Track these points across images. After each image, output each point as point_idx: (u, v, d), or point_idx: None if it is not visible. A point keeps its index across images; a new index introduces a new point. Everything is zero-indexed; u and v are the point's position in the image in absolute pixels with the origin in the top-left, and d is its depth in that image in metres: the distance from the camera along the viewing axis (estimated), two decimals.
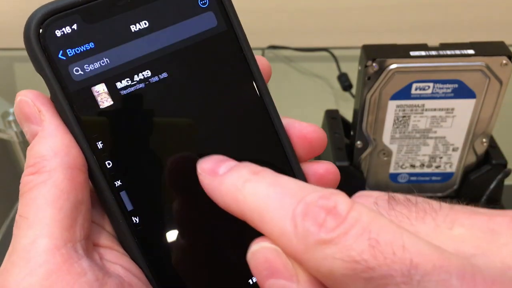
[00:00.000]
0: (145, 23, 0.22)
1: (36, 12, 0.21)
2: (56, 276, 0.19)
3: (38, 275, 0.19)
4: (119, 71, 0.22)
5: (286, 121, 0.25)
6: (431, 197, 0.18)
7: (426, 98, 0.48)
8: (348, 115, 0.56)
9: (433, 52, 0.46)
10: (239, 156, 0.25)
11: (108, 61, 0.22)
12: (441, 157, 0.52)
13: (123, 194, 0.23)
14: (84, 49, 0.22)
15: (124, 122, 0.22)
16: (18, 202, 0.21)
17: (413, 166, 0.53)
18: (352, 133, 0.53)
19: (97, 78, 0.22)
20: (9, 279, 0.20)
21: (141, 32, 0.22)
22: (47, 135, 0.21)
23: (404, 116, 0.49)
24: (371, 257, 0.15)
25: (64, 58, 0.21)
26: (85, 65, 0.22)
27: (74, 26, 0.21)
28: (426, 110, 0.49)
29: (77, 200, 0.21)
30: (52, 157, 0.21)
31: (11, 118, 0.60)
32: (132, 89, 0.22)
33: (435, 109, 0.49)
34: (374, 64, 0.46)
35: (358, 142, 0.51)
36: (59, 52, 0.21)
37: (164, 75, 0.23)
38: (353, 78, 0.67)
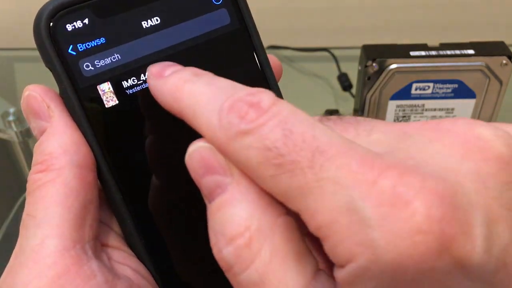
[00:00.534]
0: (157, 20, 0.22)
1: (47, 5, 0.21)
2: (65, 279, 0.19)
3: (47, 277, 0.19)
4: (130, 67, 0.22)
5: None
6: None
7: (426, 98, 0.48)
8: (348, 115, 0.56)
9: (433, 52, 0.46)
10: None
11: (119, 57, 0.21)
12: None
13: (131, 195, 0.22)
14: (95, 44, 0.21)
15: (135, 121, 0.22)
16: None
17: None
18: None
19: (108, 74, 0.21)
20: (17, 280, 0.19)
21: (153, 28, 0.22)
22: (56, 131, 0.21)
23: (404, 116, 0.49)
24: (283, 145, 0.15)
25: (75, 53, 0.21)
26: (96, 61, 0.21)
27: (86, 21, 0.21)
28: (426, 110, 0.49)
29: (86, 200, 0.20)
30: (61, 155, 0.20)
31: (11, 118, 0.60)
32: (145, 86, 0.22)
33: (435, 109, 0.49)
34: (374, 64, 0.46)
35: None
36: (70, 46, 0.21)
37: None
38: (353, 78, 0.67)
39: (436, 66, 0.46)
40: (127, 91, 0.22)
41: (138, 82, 0.22)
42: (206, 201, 0.18)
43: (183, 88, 0.18)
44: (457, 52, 0.46)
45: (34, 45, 0.21)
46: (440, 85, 0.47)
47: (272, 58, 0.25)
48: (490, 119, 0.49)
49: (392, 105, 0.48)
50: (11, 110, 0.60)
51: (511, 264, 0.15)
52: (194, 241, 0.23)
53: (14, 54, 0.81)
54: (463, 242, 0.14)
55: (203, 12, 0.23)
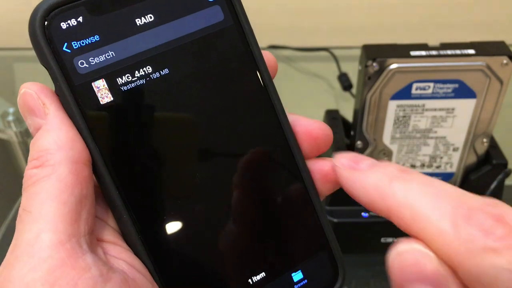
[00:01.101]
0: (151, 17, 0.22)
1: (42, 4, 0.21)
2: (60, 271, 0.19)
3: (42, 270, 0.19)
4: (125, 64, 0.22)
5: (292, 118, 0.25)
6: None
7: (426, 98, 0.48)
8: (348, 115, 0.56)
9: (434, 52, 0.46)
10: (245, 152, 0.24)
11: (114, 54, 0.22)
12: (441, 157, 0.52)
13: (127, 190, 0.22)
14: (89, 41, 0.21)
15: (130, 117, 0.22)
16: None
17: (413, 166, 0.53)
18: (352, 133, 0.53)
19: (102, 71, 0.22)
20: (13, 273, 0.19)
21: (147, 26, 0.22)
22: (51, 128, 0.21)
23: (404, 116, 0.49)
24: None
25: (69, 51, 0.21)
26: (90, 58, 0.21)
27: (80, 19, 0.21)
28: (426, 110, 0.49)
29: (81, 195, 0.21)
30: (56, 151, 0.21)
31: (10, 118, 0.60)
32: (141, 82, 0.22)
33: (435, 109, 0.49)
34: (374, 64, 0.46)
35: (359, 142, 0.51)
36: (64, 44, 0.21)
37: (169, 68, 0.23)
38: (353, 78, 0.67)
39: (437, 66, 0.46)
40: (122, 88, 0.22)
41: (133, 79, 0.22)
42: None
43: (392, 185, 0.17)
44: (458, 52, 0.46)
45: None
46: (441, 85, 0.47)
47: (266, 54, 0.25)
48: (490, 119, 0.49)
49: (392, 105, 0.48)
50: (11, 110, 0.60)
51: None
52: (190, 235, 0.23)
53: (14, 54, 0.81)
54: None
55: (196, 9, 0.23)
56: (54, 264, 0.19)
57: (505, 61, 0.46)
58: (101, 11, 0.21)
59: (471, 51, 0.46)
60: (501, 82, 0.47)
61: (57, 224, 0.20)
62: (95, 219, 0.22)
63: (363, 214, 0.52)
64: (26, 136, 0.60)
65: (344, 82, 0.72)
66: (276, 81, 0.25)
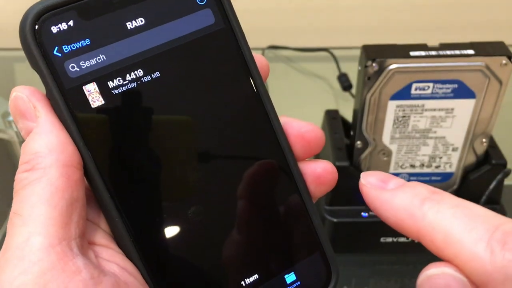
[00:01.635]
0: (141, 20, 0.22)
1: (32, 8, 0.21)
2: (50, 274, 0.19)
3: (33, 273, 0.19)
4: (115, 67, 0.22)
5: (284, 120, 0.25)
6: None
7: (426, 98, 0.48)
8: (348, 115, 0.56)
9: (433, 52, 0.46)
10: (236, 155, 0.25)
11: (104, 58, 0.22)
12: (440, 157, 0.52)
13: (118, 193, 0.22)
14: (80, 45, 0.21)
15: (121, 120, 0.22)
16: None
17: (413, 166, 0.53)
18: (352, 133, 0.53)
19: (93, 74, 0.22)
20: (3, 277, 0.19)
21: (137, 29, 0.22)
22: (42, 131, 0.21)
23: (404, 116, 0.49)
24: None
25: (60, 55, 0.21)
26: (81, 62, 0.21)
27: (70, 23, 0.21)
28: (426, 110, 0.49)
29: (72, 198, 0.21)
30: (47, 154, 0.21)
31: (11, 118, 0.60)
32: (130, 86, 0.22)
33: (435, 109, 0.49)
34: (374, 64, 0.46)
35: (358, 142, 0.51)
36: (55, 48, 0.21)
37: (160, 71, 0.23)
38: (353, 78, 0.67)
39: (436, 66, 0.46)
40: (113, 91, 0.22)
41: (124, 82, 0.22)
42: None
43: (423, 207, 0.17)
44: (457, 52, 0.46)
45: None
46: (440, 85, 0.47)
47: (258, 57, 0.25)
48: (489, 119, 0.49)
49: (392, 105, 0.48)
50: None
51: None
52: (182, 237, 0.23)
53: (14, 54, 0.81)
54: None
55: (187, 12, 0.23)
56: (45, 267, 0.19)
57: (504, 62, 0.46)
58: (92, 15, 0.21)
59: (471, 52, 0.46)
60: (500, 82, 0.47)
61: (47, 227, 0.20)
62: (86, 222, 0.22)
63: (362, 214, 0.52)
64: None
65: (344, 82, 0.72)
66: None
